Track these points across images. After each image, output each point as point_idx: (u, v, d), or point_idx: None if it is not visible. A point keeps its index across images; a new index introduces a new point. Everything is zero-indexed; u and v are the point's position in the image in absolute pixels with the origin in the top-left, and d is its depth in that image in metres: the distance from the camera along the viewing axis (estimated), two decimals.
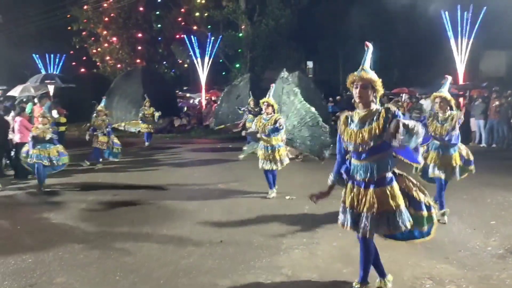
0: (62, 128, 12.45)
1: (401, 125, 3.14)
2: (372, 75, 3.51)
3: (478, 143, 14.69)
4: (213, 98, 22.98)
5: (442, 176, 5.87)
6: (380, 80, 3.55)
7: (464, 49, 17.40)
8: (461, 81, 17.85)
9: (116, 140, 11.10)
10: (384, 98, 18.71)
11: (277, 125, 7.20)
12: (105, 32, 27.26)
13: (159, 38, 29.36)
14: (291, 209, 6.84)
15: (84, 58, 29.53)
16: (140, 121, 15.02)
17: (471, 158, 6.07)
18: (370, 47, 3.65)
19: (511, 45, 20.57)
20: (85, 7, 26.25)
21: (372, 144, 3.45)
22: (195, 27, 26.00)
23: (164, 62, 29.99)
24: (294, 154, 9.22)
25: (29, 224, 6.38)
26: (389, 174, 3.55)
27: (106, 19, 26.99)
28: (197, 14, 26.02)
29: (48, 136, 8.41)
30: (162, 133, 18.77)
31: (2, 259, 4.97)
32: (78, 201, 7.64)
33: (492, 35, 19.09)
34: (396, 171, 3.63)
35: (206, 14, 26.04)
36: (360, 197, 3.58)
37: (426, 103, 15.40)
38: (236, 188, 8.34)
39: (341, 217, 3.75)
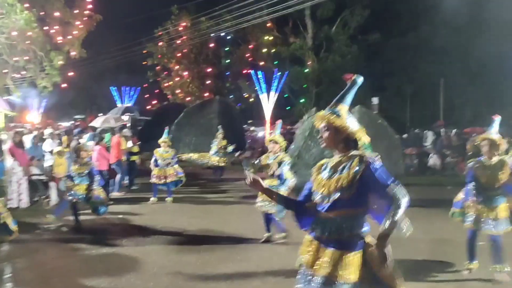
0: (135, 158, 13.05)
1: (387, 253, 2.64)
2: (335, 116, 2.94)
3: None
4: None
5: (494, 231, 5.14)
6: (349, 123, 2.94)
7: None
8: None
9: (179, 170, 10.79)
10: (455, 137, 18.01)
11: (282, 170, 6.63)
12: (177, 67, 28.74)
13: (227, 73, 30.47)
14: None
15: (157, 91, 31.21)
16: (212, 154, 14.63)
17: None
18: (357, 81, 3.05)
19: None
20: (160, 43, 27.89)
21: (337, 196, 2.88)
22: (262, 63, 26.76)
23: (231, 96, 30.95)
24: None
25: (103, 250, 6.73)
26: (356, 238, 2.85)
27: (179, 54, 28.49)
28: (264, 50, 26.81)
29: (84, 172, 7.98)
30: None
31: (79, 281, 5.28)
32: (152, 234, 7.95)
33: None
34: (369, 239, 2.88)
35: (273, 50, 26.77)
36: (317, 255, 2.95)
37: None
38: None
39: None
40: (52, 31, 19.03)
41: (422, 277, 5.35)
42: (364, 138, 2.99)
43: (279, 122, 7.70)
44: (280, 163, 6.70)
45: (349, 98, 3.03)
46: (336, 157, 3.02)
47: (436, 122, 23.39)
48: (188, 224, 8.26)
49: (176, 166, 10.72)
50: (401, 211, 2.67)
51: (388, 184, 2.75)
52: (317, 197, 3.02)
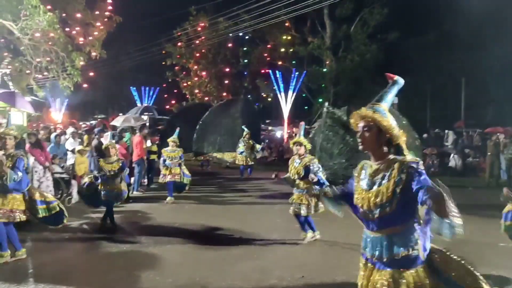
0: (154, 157, 13.19)
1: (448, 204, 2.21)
2: (381, 115, 2.65)
3: None
4: (294, 130, 23.21)
5: None
6: (393, 123, 2.67)
7: None
8: None
9: (186, 172, 10.70)
10: (477, 137, 17.70)
11: (318, 176, 6.41)
12: (195, 67, 28.95)
13: (245, 73, 30.55)
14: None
15: (176, 91, 31.49)
16: (239, 153, 14.78)
17: None
18: (398, 81, 2.87)
19: None
20: (179, 44, 28.13)
21: (378, 213, 2.59)
22: (280, 62, 26.77)
23: (249, 96, 31.04)
24: None
25: (123, 247, 6.84)
26: (414, 253, 2.52)
27: (197, 54, 28.68)
28: (282, 50, 26.79)
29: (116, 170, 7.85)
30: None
31: (100, 277, 5.38)
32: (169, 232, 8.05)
33: None
34: (431, 246, 2.57)
35: (291, 50, 26.73)
36: (370, 278, 2.69)
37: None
38: (317, 224, 8.29)
39: None
40: (73, 32, 19.41)
41: None
42: (405, 143, 2.70)
43: (302, 124, 7.48)
44: (307, 166, 6.53)
45: (390, 98, 2.80)
46: (374, 164, 2.71)
47: (457, 122, 23.04)
48: (206, 222, 8.32)
49: (184, 168, 10.59)
50: (448, 199, 2.21)
51: (429, 186, 2.39)
52: (359, 211, 2.76)
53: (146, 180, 12.88)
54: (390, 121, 2.65)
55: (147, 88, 31.47)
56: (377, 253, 2.62)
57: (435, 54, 25.18)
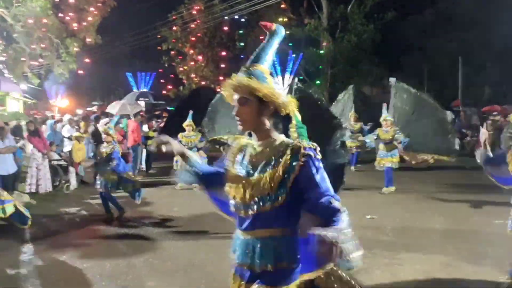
0: (150, 142, 13.19)
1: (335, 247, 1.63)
2: (258, 81, 2.00)
3: None
4: None
5: None
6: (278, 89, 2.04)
7: None
8: None
9: (203, 154, 10.21)
10: (474, 116, 17.67)
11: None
12: (191, 51, 28.72)
13: (242, 56, 30.34)
14: (372, 228, 6.71)
15: (172, 75, 31.29)
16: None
17: None
18: (278, 31, 2.21)
19: None
20: (174, 28, 27.86)
21: (256, 208, 1.97)
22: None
23: None
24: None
25: (121, 231, 6.88)
26: (293, 266, 1.97)
27: (193, 38, 28.42)
28: None
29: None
30: None
31: (99, 262, 5.41)
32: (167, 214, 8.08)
33: None
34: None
35: (288, 32, 26.49)
36: None
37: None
38: None
39: None
40: (67, 18, 19.18)
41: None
42: (298, 114, 2.18)
43: None
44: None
45: (271, 55, 2.16)
46: (257, 144, 2.08)
47: (454, 101, 23.02)
48: (203, 208, 8.35)
49: (201, 151, 10.27)
50: (345, 227, 1.74)
51: (327, 194, 1.88)
52: (230, 203, 2.12)
53: (144, 166, 12.90)
54: (271, 86, 2.02)
55: (143, 74, 31.27)
56: (248, 260, 2.02)
57: (432, 34, 25.02)
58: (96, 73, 29.88)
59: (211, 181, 2.31)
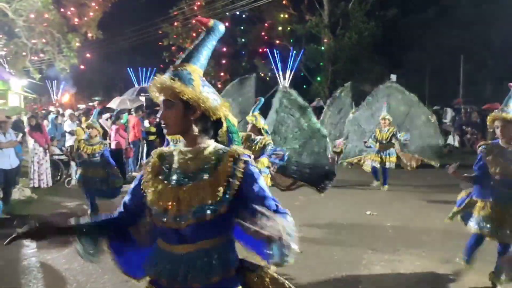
0: (152, 137, 13.22)
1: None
2: (182, 83, 1.83)
3: None
4: None
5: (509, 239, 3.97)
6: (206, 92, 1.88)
7: None
8: None
9: None
10: (475, 114, 17.67)
11: (268, 152, 5.58)
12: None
13: (242, 52, 30.33)
14: (372, 225, 6.74)
15: None
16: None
17: None
18: (215, 27, 2.03)
19: None
20: (175, 23, 27.84)
21: (194, 218, 1.80)
22: (277, 41, 26.55)
23: (247, 75, 30.85)
24: (285, 184, 6.85)
25: None
26: (232, 274, 1.88)
27: (194, 34, 28.41)
28: (280, 28, 26.55)
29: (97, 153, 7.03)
30: None
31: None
32: None
33: None
34: (250, 262, 1.99)
35: (289, 29, 26.50)
36: None
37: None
38: (317, 201, 8.37)
39: None
40: (68, 13, 19.18)
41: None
42: (231, 118, 2.01)
43: (260, 99, 6.56)
44: (264, 147, 5.80)
45: (205, 54, 2.00)
46: (186, 150, 1.92)
47: (455, 99, 23.01)
48: None
49: None
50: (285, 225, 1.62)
51: (271, 199, 1.81)
52: (157, 217, 1.87)
53: (144, 161, 12.95)
54: (198, 89, 1.85)
55: (144, 69, 31.27)
56: (180, 278, 1.81)
57: (434, 31, 24.95)
58: (97, 68, 29.89)
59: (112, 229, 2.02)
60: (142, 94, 21.26)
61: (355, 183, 9.78)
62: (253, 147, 5.63)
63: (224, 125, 1.96)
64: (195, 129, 1.89)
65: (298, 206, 8.04)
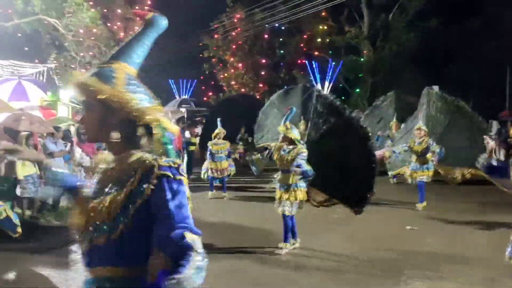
0: (192, 148, 13.51)
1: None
2: (98, 80, 1.61)
3: None
4: None
5: None
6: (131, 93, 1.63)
7: None
8: None
9: (232, 162, 10.53)
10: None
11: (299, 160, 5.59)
12: (232, 59, 29.15)
13: (281, 64, 30.48)
14: (412, 240, 6.64)
15: (212, 82, 31.85)
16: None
17: None
18: (155, 21, 1.83)
19: None
20: (216, 36, 28.39)
21: (92, 239, 1.57)
22: (316, 53, 26.55)
23: (285, 87, 30.94)
24: (319, 200, 6.51)
25: None
26: None
27: (234, 46, 28.85)
28: (319, 40, 26.57)
29: None
30: None
31: None
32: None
33: None
34: None
35: (327, 40, 26.47)
36: None
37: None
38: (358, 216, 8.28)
39: None
40: (114, 27, 20.00)
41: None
42: (166, 124, 1.69)
43: (292, 109, 6.50)
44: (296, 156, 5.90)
45: (139, 52, 1.78)
46: (111, 159, 1.70)
47: (501, 112, 22.27)
48: (225, 215, 8.46)
49: (230, 159, 10.42)
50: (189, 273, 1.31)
51: (181, 226, 1.43)
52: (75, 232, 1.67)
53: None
54: (119, 87, 1.60)
55: (185, 81, 31.99)
56: None
57: (479, 41, 24.30)
58: (140, 80, 30.76)
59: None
60: (183, 105, 21.70)
61: (392, 200, 9.55)
62: (285, 158, 5.72)
63: (157, 132, 1.65)
64: (117, 135, 1.61)
65: (336, 219, 8.01)
